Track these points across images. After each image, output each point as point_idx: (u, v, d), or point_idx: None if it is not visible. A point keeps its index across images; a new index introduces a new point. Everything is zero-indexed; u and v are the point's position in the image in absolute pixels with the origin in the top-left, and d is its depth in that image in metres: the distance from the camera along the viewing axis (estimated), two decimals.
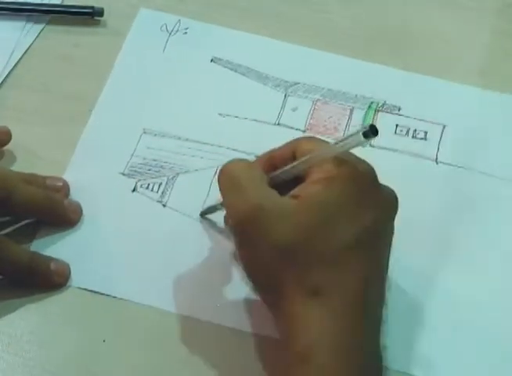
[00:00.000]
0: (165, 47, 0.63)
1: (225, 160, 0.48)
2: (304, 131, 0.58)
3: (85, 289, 0.51)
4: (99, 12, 0.63)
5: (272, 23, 0.65)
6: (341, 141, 0.43)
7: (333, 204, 0.43)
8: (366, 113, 0.60)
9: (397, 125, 0.59)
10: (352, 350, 0.42)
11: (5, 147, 0.56)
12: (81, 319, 0.50)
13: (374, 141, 0.58)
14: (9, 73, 0.60)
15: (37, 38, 0.63)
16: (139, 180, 0.56)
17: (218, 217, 0.53)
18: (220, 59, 0.62)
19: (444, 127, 0.59)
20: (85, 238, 0.53)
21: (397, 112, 0.60)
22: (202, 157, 0.57)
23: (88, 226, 0.53)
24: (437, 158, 0.58)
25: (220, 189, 0.47)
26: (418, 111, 0.60)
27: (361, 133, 0.41)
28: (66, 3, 0.65)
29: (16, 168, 0.55)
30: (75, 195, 0.54)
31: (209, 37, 0.63)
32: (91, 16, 0.64)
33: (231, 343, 0.49)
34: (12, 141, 0.56)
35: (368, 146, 0.57)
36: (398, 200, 0.46)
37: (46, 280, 0.50)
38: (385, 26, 0.65)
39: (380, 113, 0.60)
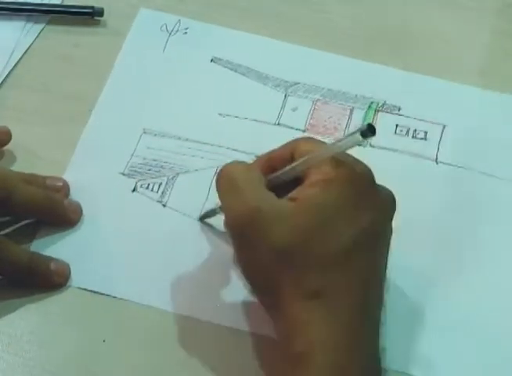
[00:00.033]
0: (165, 47, 0.63)
1: (225, 160, 0.48)
2: (304, 131, 0.58)
3: (85, 289, 0.51)
4: (99, 12, 0.63)
5: (272, 23, 0.64)
6: (340, 141, 0.43)
7: (330, 207, 0.43)
8: (366, 113, 0.60)
9: (397, 125, 0.59)
10: (352, 352, 0.42)
11: (5, 147, 0.56)
12: (81, 319, 0.50)
13: (374, 141, 0.58)
14: (9, 73, 0.60)
15: (37, 38, 0.63)
16: (139, 180, 0.55)
17: (218, 221, 0.52)
18: (220, 59, 0.62)
19: (444, 127, 0.59)
20: (85, 238, 0.53)
21: (397, 112, 0.60)
22: (202, 157, 0.57)
23: (88, 226, 0.53)
24: (437, 158, 0.58)
25: (218, 192, 0.47)
26: (418, 111, 0.60)
27: (359, 132, 0.41)
28: (66, 3, 0.65)
29: (16, 168, 0.55)
30: (75, 195, 0.54)
31: (209, 37, 0.63)
32: (91, 16, 0.64)
33: (231, 343, 0.49)
34: (12, 141, 0.56)
35: (368, 146, 0.57)
36: (398, 201, 0.46)
37: (46, 280, 0.50)
38: (385, 26, 0.65)
39: (380, 113, 0.60)
